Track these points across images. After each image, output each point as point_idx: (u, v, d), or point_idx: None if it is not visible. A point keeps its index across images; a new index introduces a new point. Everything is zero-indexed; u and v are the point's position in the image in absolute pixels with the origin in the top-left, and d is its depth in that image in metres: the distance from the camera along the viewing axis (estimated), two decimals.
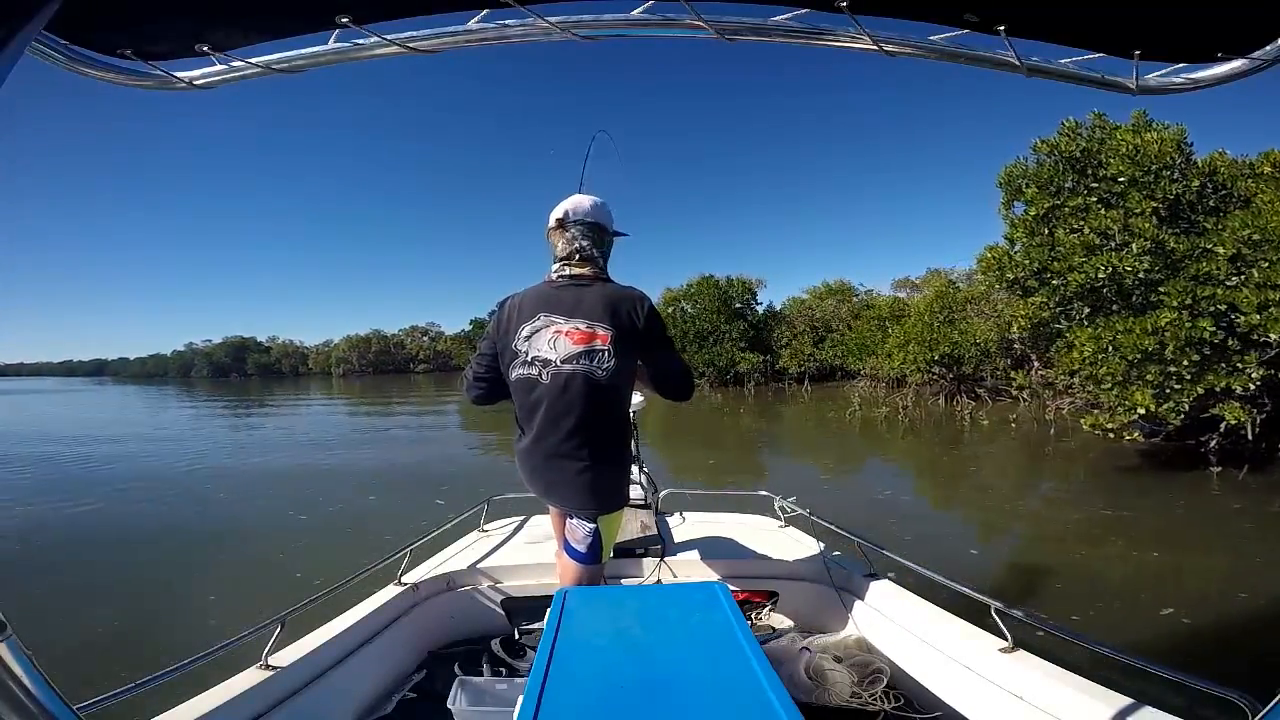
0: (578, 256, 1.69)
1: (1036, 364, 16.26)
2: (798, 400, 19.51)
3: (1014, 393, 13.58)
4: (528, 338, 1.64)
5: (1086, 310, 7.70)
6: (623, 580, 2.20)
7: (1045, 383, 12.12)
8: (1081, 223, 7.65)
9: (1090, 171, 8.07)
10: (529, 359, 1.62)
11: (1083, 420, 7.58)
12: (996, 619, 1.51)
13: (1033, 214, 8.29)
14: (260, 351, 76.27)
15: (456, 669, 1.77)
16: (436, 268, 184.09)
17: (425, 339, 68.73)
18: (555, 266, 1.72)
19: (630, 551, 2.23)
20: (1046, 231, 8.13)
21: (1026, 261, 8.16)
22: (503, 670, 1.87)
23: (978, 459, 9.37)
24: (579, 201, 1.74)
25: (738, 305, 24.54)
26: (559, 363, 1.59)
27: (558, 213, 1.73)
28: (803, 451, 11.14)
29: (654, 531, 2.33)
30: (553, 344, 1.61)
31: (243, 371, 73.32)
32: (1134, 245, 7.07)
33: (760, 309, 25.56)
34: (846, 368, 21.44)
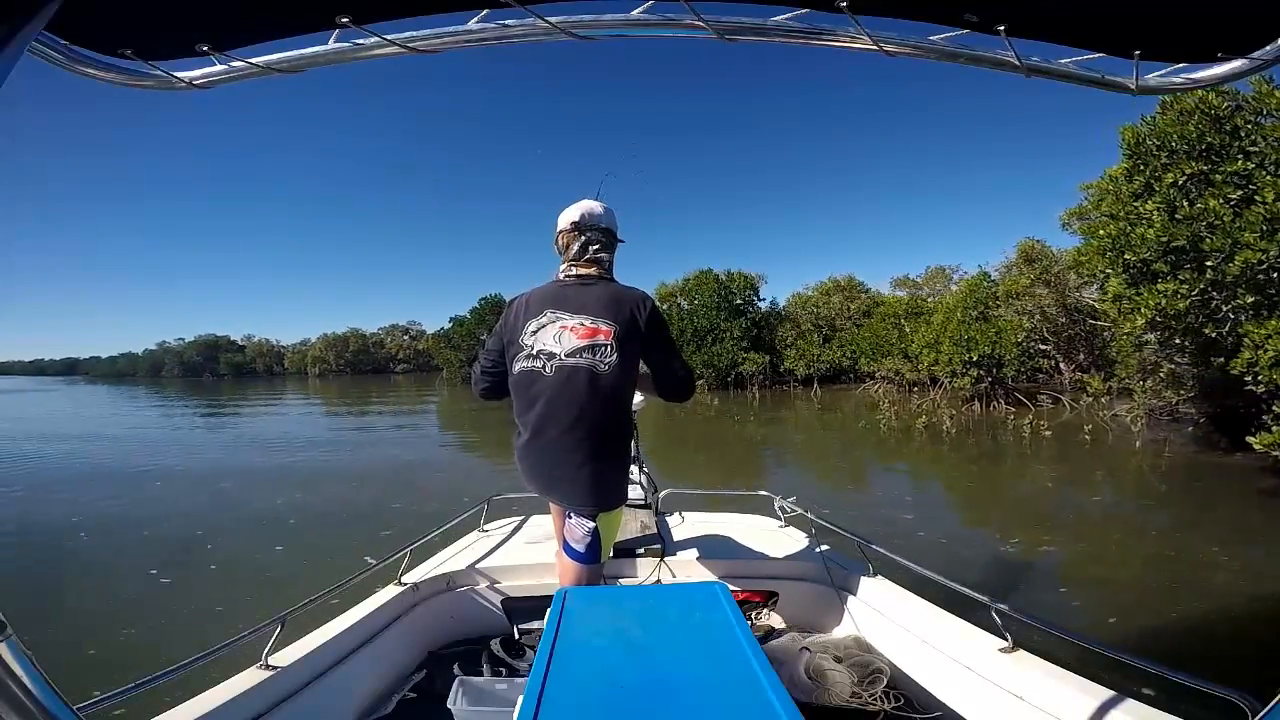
0: (586, 257, 1.76)
1: (1063, 367, 15.65)
2: (809, 405, 17.83)
3: (1083, 396, 12.08)
4: (534, 333, 1.69)
5: (1249, 299, 6.12)
6: (622, 580, 2.20)
7: (1083, 386, 11.36)
8: (1240, 192, 6.23)
9: (1244, 134, 6.56)
10: (533, 352, 1.67)
11: (1253, 440, 6.04)
12: (996, 619, 1.51)
13: (1169, 181, 6.74)
14: (234, 350, 74.60)
15: (456, 669, 1.77)
16: (418, 265, 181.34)
17: (405, 338, 67.38)
18: (563, 266, 1.79)
19: (630, 551, 2.23)
20: (1187, 203, 6.58)
21: (1163, 239, 6.54)
22: (503, 670, 1.87)
23: (1079, 483, 7.80)
24: (592, 206, 1.81)
25: (738, 302, 23.13)
26: (563, 356, 1.64)
27: (573, 215, 1.79)
28: (854, 477, 8.90)
29: (654, 531, 2.34)
30: (557, 338, 1.66)
31: (215, 371, 71.44)
32: None
33: (762, 306, 24.23)
34: (857, 369, 20.37)
